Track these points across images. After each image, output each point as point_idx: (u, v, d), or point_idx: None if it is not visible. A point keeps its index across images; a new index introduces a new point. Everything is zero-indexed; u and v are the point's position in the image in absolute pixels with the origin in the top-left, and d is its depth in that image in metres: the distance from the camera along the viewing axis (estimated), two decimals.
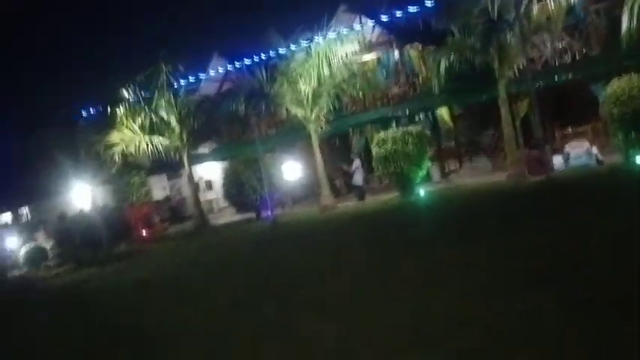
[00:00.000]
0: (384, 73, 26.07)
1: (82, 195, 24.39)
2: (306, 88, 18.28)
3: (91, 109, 21.43)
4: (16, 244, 20.24)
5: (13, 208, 28.97)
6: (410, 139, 16.48)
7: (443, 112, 26.12)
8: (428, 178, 21.09)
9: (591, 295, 5.36)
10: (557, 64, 18.79)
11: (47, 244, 19.96)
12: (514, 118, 16.88)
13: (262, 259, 11.83)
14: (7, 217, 27.26)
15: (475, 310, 5.68)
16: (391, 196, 17.66)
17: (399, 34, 22.39)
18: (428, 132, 19.84)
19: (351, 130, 25.30)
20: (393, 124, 23.87)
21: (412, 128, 17.62)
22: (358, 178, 19.92)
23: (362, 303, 6.87)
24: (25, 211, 29.46)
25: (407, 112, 22.89)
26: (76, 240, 19.41)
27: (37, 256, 19.33)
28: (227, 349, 6.29)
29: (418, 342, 5.22)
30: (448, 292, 6.46)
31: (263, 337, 6.42)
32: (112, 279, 13.91)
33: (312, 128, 18.83)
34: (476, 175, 19.86)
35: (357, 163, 20.18)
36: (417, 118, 26.08)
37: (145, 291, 11.18)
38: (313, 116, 18.68)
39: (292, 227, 16.49)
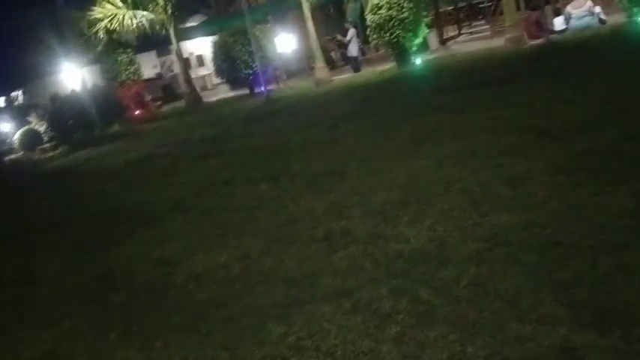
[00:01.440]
0: None
1: (71, 75, 23.87)
2: None
3: None
4: (9, 128, 20.07)
5: (5, 91, 28.53)
6: (405, 4, 15.64)
7: None
8: (425, 46, 20.45)
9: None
10: None
11: (41, 127, 19.81)
12: None
13: (255, 135, 11.72)
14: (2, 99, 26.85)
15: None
16: (388, 67, 17.18)
17: None
18: None
19: None
20: None
21: None
22: (353, 49, 19.27)
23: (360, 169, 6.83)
24: (17, 93, 29.04)
25: None
26: (69, 121, 19.23)
27: (31, 139, 19.26)
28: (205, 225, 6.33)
29: None
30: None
31: (249, 210, 6.46)
32: (108, 159, 13.89)
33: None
34: (475, 42, 19.25)
35: (351, 32, 19.40)
36: None
37: (142, 169, 11.23)
38: None
39: (286, 102, 16.18)
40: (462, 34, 24.49)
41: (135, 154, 13.33)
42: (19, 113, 21.56)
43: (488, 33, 20.11)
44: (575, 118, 6.68)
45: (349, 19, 21.32)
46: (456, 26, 25.77)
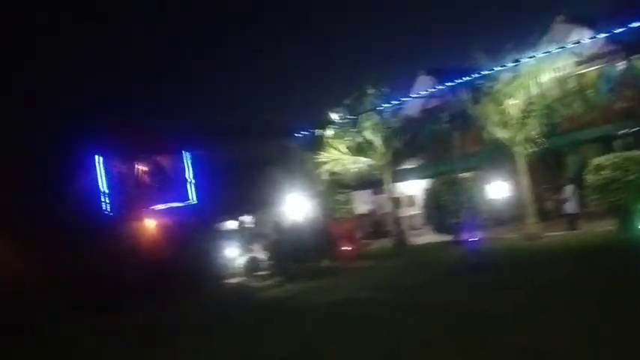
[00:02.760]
0: (607, 87, 23.73)
1: (294, 208, 26.28)
2: (512, 109, 17.36)
3: (303, 131, 23.03)
4: (234, 253, 22.59)
5: (238, 215, 32.22)
6: (633, 166, 14.66)
7: None
8: None
9: None
10: None
11: (261, 255, 21.92)
12: None
13: (452, 294, 11.56)
14: (232, 224, 30.32)
15: None
16: (608, 228, 15.91)
17: (625, 43, 20.15)
18: None
19: (566, 149, 23.45)
20: (618, 144, 21.54)
21: (637, 152, 15.59)
22: (570, 206, 18.32)
23: None
24: (247, 219, 32.52)
25: (633, 130, 20.49)
26: (286, 253, 20.97)
27: (252, 267, 21.36)
28: None
29: None
30: None
31: None
32: (314, 297, 14.69)
33: (518, 151, 17.82)
34: None
35: (569, 190, 18.57)
36: None
37: (338, 314, 11.68)
38: (519, 138, 17.67)
39: (493, 256, 15.76)
40: None
41: (339, 295, 13.92)
42: (246, 240, 24.20)
43: None
44: None
45: (568, 175, 20.50)
46: None
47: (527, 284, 11.08)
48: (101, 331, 14.38)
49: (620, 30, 15.82)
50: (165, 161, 26.19)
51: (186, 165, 26.18)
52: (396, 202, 25.02)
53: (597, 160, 15.52)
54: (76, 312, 16.83)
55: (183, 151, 26.14)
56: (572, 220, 18.23)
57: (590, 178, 15.58)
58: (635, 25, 18.34)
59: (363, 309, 11.87)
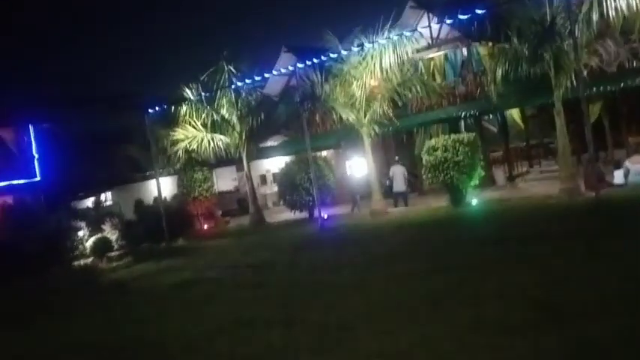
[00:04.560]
0: (451, 71, 25.43)
1: (151, 186, 25.59)
2: (358, 91, 18.06)
3: (158, 106, 22.27)
4: (84, 233, 21.53)
5: (94, 192, 30.66)
6: (461, 148, 15.98)
7: (513, 112, 25.19)
8: (491, 181, 20.44)
9: None
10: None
11: (112, 236, 21.06)
12: (583, 122, 15.80)
13: (297, 267, 12.07)
14: (84, 203, 28.87)
15: None
16: (442, 204, 17.29)
17: (467, 31, 21.62)
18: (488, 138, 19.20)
19: (415, 129, 24.89)
20: (461, 125, 23.28)
21: (464, 135, 17.06)
22: (399, 184, 19.58)
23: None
24: (100, 197, 31.03)
25: (474, 112, 22.25)
26: (139, 233, 20.39)
27: (102, 247, 20.46)
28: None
29: None
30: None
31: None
32: (160, 278, 14.51)
33: (364, 132, 18.63)
34: (542, 183, 19.09)
35: (392, 170, 19.84)
36: (486, 118, 25.36)
37: (182, 294, 11.68)
38: (366, 120, 18.46)
39: (337, 233, 16.52)
40: (532, 170, 24.38)
41: (185, 275, 13.88)
42: (97, 219, 23.10)
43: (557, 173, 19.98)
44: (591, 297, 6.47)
45: (396, 157, 21.70)
46: (527, 162, 25.75)
47: (364, 256, 11.85)
48: None
49: (463, 17, 16.90)
50: (6, 135, 24.31)
51: (31, 139, 24.49)
52: (254, 180, 25.19)
53: (431, 142, 16.68)
54: None
55: (28, 125, 24.41)
56: (403, 198, 19.51)
57: (425, 157, 16.75)
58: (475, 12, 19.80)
59: (204, 288, 11.96)
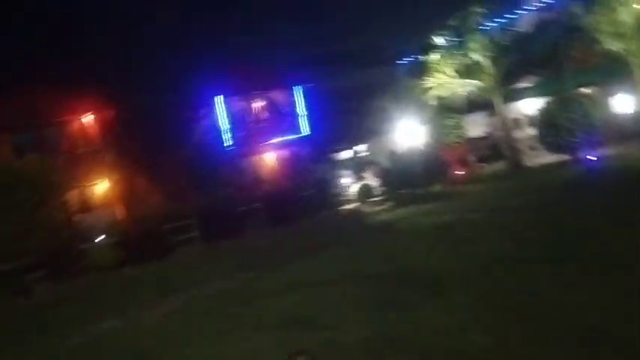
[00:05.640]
0: None
1: (404, 135, 26.58)
2: (628, 18, 16.08)
3: (408, 57, 22.86)
4: (349, 181, 23.50)
5: (351, 144, 33.02)
6: None
7: None
8: None
9: None
10: None
11: (374, 182, 22.63)
12: None
13: (551, 217, 11.51)
14: (345, 153, 31.24)
15: None
16: None
17: None
18: None
19: None
20: None
21: None
22: None
23: None
24: (359, 147, 33.22)
25: None
26: (397, 179, 21.55)
27: (365, 193, 22.19)
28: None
29: None
30: None
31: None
32: (422, 219, 15.26)
33: (635, 63, 16.61)
34: None
35: None
36: None
37: (445, 235, 12.18)
38: (635, 49, 16.42)
39: (613, 174, 15.23)
40: None
41: (446, 218, 14.37)
42: (358, 168, 24.98)
43: None
44: None
45: None
46: None
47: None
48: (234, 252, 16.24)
49: None
50: (278, 96, 27.43)
51: (297, 99, 27.27)
52: (510, 123, 24.35)
53: None
54: (206, 238, 18.98)
55: (294, 86, 27.21)
56: None
57: None
58: None
59: (466, 229, 12.27)
